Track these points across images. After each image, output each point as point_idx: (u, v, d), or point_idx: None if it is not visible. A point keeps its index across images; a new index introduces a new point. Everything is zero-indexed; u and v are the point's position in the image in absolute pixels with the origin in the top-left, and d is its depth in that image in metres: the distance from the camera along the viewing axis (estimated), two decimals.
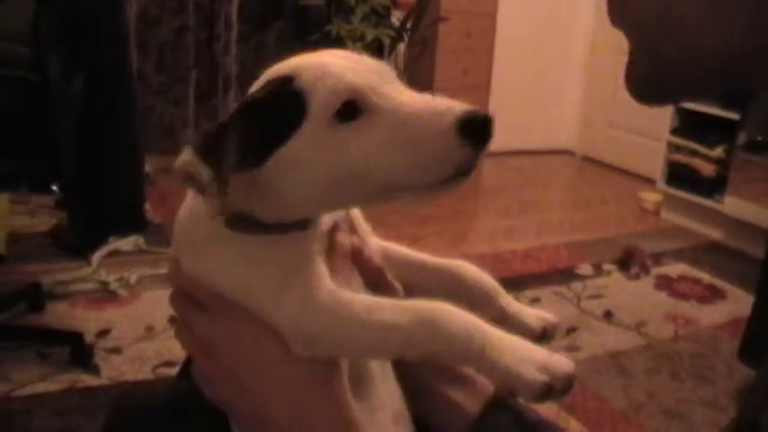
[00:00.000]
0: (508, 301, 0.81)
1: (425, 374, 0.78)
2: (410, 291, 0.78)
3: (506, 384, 0.64)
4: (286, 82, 0.63)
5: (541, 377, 0.64)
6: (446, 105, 0.61)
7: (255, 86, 0.67)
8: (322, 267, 0.69)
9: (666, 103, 0.62)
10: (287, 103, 0.62)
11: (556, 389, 0.65)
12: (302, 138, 0.62)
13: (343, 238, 0.74)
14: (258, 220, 0.67)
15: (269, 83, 0.64)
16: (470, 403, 0.76)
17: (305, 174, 0.63)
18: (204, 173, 0.60)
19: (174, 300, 0.74)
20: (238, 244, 0.68)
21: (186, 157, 0.61)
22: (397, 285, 0.78)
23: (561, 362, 0.66)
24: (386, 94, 0.62)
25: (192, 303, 0.72)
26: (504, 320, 0.78)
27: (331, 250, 0.72)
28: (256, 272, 0.67)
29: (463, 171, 0.62)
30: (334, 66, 0.63)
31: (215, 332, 0.69)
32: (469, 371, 0.78)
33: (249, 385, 0.68)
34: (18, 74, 2.07)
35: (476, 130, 0.60)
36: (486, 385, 0.78)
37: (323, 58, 0.65)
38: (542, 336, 0.81)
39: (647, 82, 0.58)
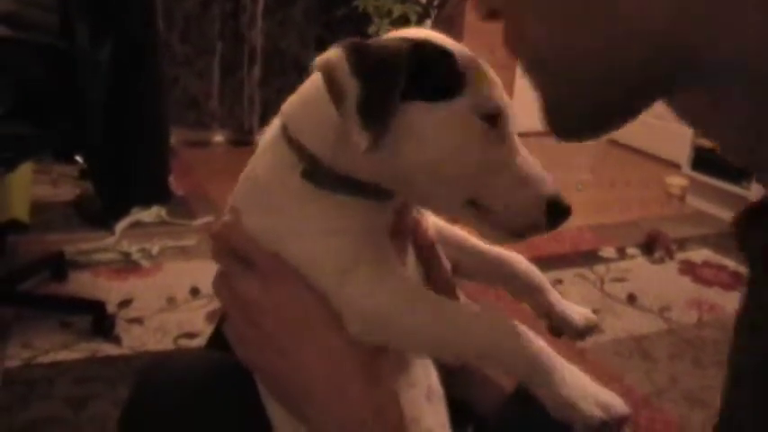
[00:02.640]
0: (556, 298, 0.83)
1: None
2: (458, 272, 0.79)
3: (564, 414, 0.65)
4: (448, 54, 0.64)
5: (599, 414, 0.65)
6: (546, 180, 0.69)
7: (392, 37, 0.66)
8: (392, 248, 0.68)
9: (597, 132, 0.58)
10: (449, 72, 0.63)
11: (610, 426, 0.65)
12: (446, 109, 0.62)
13: (409, 218, 0.74)
14: (335, 171, 0.66)
15: (429, 44, 0.64)
16: (505, 379, 0.76)
17: (424, 145, 0.63)
18: (353, 87, 0.58)
19: (221, 255, 0.72)
20: (315, 208, 0.67)
21: (339, 61, 0.58)
22: (447, 263, 0.77)
23: (619, 403, 0.67)
24: (512, 133, 0.68)
25: (241, 261, 0.69)
26: (551, 315, 0.82)
27: (397, 228, 0.71)
28: (326, 240, 0.66)
29: (528, 234, 0.69)
30: (487, 68, 0.68)
31: (263, 294, 0.67)
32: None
33: (291, 353, 0.66)
34: (46, 40, 2.06)
35: (556, 211, 0.68)
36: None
37: (468, 50, 0.68)
38: (583, 332, 0.82)
39: (568, 111, 0.54)
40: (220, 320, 0.85)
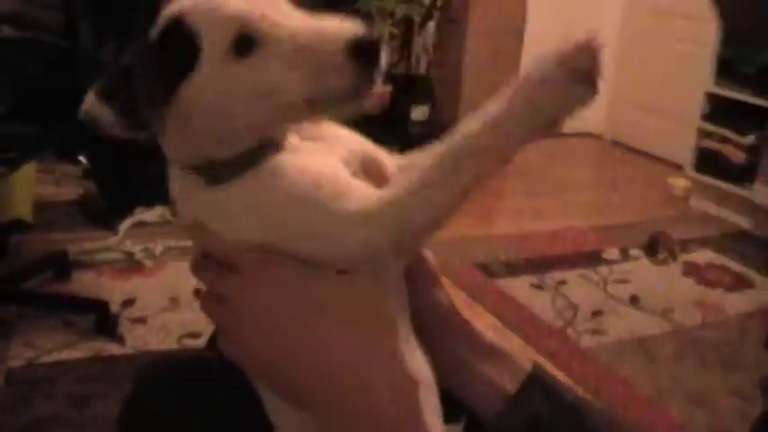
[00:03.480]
0: None
1: (460, 349, 0.75)
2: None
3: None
4: (177, 22, 0.62)
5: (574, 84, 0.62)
6: (335, 30, 0.62)
7: (154, 29, 0.65)
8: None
9: None
10: (179, 44, 0.61)
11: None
12: (202, 76, 0.61)
13: None
14: (219, 162, 0.65)
15: (161, 24, 0.63)
16: (507, 380, 0.74)
17: (214, 109, 0.62)
18: (106, 114, 0.60)
19: (198, 266, 0.69)
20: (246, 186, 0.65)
21: (89, 100, 0.61)
22: (430, 255, 0.76)
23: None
24: (277, 22, 0.62)
25: (221, 268, 0.67)
26: None
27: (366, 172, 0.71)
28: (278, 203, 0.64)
29: (360, 91, 0.63)
30: (221, 0, 0.62)
31: (252, 295, 0.65)
32: (506, 346, 0.76)
33: (288, 351, 0.64)
34: (49, 39, 2.07)
35: (364, 52, 0.61)
36: (524, 362, 0.76)
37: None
38: None
39: None
40: None
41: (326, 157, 0.68)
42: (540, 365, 0.76)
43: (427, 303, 0.75)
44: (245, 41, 0.61)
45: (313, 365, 0.64)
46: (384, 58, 0.63)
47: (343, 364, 0.63)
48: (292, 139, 0.69)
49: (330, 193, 0.64)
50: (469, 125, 0.62)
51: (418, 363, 0.70)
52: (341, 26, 0.62)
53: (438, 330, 0.75)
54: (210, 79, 0.62)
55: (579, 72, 0.60)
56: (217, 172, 0.65)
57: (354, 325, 0.65)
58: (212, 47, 0.61)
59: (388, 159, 0.75)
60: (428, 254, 0.76)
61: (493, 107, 0.62)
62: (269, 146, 0.66)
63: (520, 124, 0.61)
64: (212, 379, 0.84)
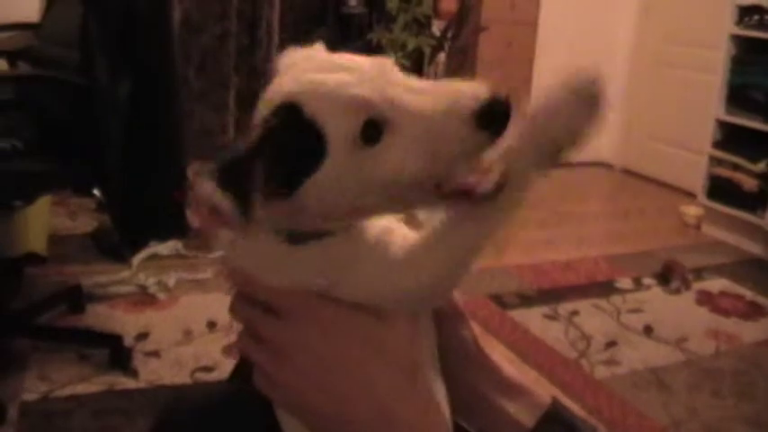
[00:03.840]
0: None
1: (481, 384, 0.76)
2: None
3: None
4: (294, 111, 0.58)
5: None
6: (462, 100, 0.57)
7: (260, 113, 0.62)
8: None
9: None
10: (304, 135, 0.58)
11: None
12: (329, 168, 0.58)
13: None
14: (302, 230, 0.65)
15: (278, 111, 0.59)
16: (525, 416, 0.75)
17: (341, 196, 0.60)
18: (229, 206, 0.56)
19: (237, 305, 0.70)
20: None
21: (209, 189, 0.56)
22: (457, 296, 0.77)
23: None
24: (401, 104, 0.58)
25: (260, 308, 0.68)
26: None
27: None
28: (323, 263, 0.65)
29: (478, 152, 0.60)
30: (335, 84, 0.59)
31: (293, 334, 0.66)
32: (525, 380, 0.77)
33: (331, 388, 0.65)
34: (66, 77, 2.09)
35: (493, 119, 0.57)
36: (542, 397, 0.77)
37: (318, 76, 0.60)
38: None
39: None
40: (242, 356, 0.85)
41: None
42: (558, 400, 0.77)
43: (453, 339, 0.75)
44: (373, 128, 0.58)
45: (354, 404, 0.65)
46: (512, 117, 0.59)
47: (383, 403, 0.64)
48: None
49: (384, 243, 0.64)
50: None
51: (442, 399, 0.72)
52: (467, 94, 0.58)
53: (460, 366, 0.76)
54: (339, 171, 0.58)
55: (583, 95, 0.60)
56: (303, 236, 0.64)
57: (395, 365, 0.66)
58: (339, 137, 0.58)
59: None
60: (455, 292, 0.77)
61: (504, 142, 0.60)
62: None
63: (529, 155, 0.61)
64: (234, 413, 0.85)
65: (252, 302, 0.69)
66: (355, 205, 0.61)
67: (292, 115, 0.58)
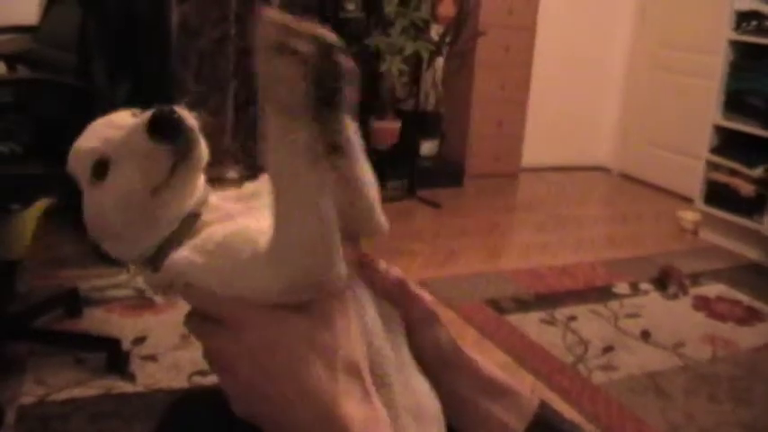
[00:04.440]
0: None
1: (461, 386, 0.76)
2: None
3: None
4: (67, 167, 0.75)
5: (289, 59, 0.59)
6: (140, 119, 0.70)
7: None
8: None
9: None
10: (73, 181, 0.74)
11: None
12: (86, 200, 0.73)
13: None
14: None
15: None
16: (514, 420, 0.75)
17: (99, 223, 0.73)
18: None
19: (189, 320, 0.72)
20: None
21: None
22: (425, 295, 0.77)
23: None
24: (110, 141, 0.71)
25: (210, 322, 0.69)
26: None
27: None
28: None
29: (178, 165, 0.71)
30: (78, 143, 0.74)
31: (234, 345, 0.67)
32: (509, 381, 0.77)
33: (272, 397, 0.65)
34: (64, 80, 2.10)
35: (165, 128, 0.69)
36: (530, 401, 0.77)
37: (85, 132, 0.75)
38: None
39: None
40: None
41: (246, 218, 0.73)
42: (547, 403, 0.77)
43: (426, 341, 0.75)
44: (100, 167, 0.71)
45: (296, 409, 0.65)
46: (187, 121, 0.71)
47: (325, 404, 0.65)
48: (222, 204, 0.76)
49: (244, 241, 0.67)
50: None
51: (421, 395, 0.72)
52: (144, 115, 0.69)
53: (440, 369, 0.76)
54: (89, 202, 0.73)
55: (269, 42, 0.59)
56: (154, 260, 0.73)
57: (334, 364, 0.66)
58: (82, 179, 0.73)
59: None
60: (424, 293, 0.77)
61: None
62: (191, 218, 0.74)
63: (280, 126, 0.61)
64: (236, 419, 0.85)
65: (202, 317, 0.70)
66: (130, 227, 0.72)
67: (67, 169, 0.74)
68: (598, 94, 6.04)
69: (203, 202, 0.76)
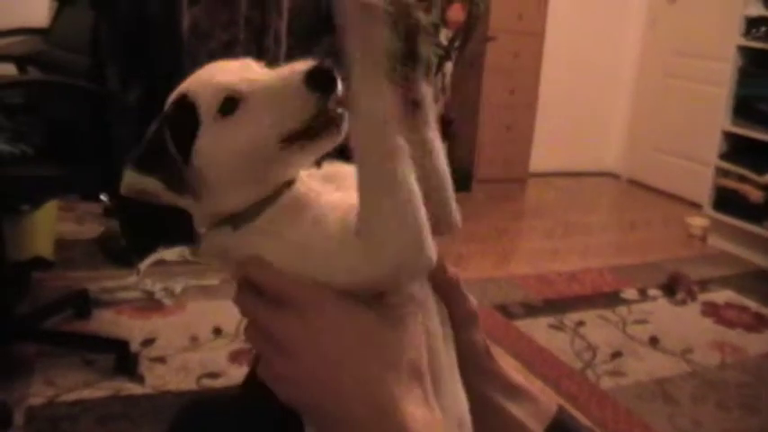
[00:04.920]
0: None
1: (489, 389, 0.77)
2: None
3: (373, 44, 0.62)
4: (181, 97, 0.72)
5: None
6: (292, 68, 0.70)
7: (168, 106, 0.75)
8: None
9: None
10: (185, 113, 0.71)
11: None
12: (204, 134, 0.70)
13: None
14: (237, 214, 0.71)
15: (170, 102, 0.73)
16: (533, 422, 0.75)
17: (216, 162, 0.70)
18: (150, 182, 0.70)
19: (242, 296, 0.71)
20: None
21: (129, 177, 0.71)
22: (472, 299, 0.77)
23: None
24: (251, 82, 0.72)
25: (266, 299, 0.68)
26: None
27: None
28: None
29: (327, 117, 0.70)
30: (208, 75, 0.73)
31: (301, 329, 0.66)
32: (531, 387, 0.78)
33: (331, 384, 0.65)
34: (77, 83, 2.10)
35: (321, 80, 0.69)
36: (548, 404, 0.77)
37: (203, 71, 0.75)
38: None
39: None
40: (255, 362, 0.85)
41: (336, 193, 0.72)
42: (565, 408, 0.78)
43: (463, 344, 0.76)
44: (230, 103, 0.70)
45: (352, 403, 0.65)
46: (339, 83, 0.69)
47: (380, 404, 0.65)
48: (310, 183, 0.74)
49: (333, 219, 0.68)
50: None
51: (463, 404, 0.72)
52: (299, 66, 0.70)
53: (470, 370, 0.76)
54: (209, 138, 0.70)
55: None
56: (240, 218, 0.71)
57: (395, 366, 0.66)
58: (205, 111, 0.71)
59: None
60: (470, 296, 0.78)
61: None
62: (285, 186, 0.72)
63: (368, 85, 0.62)
64: (249, 422, 0.85)
65: (257, 293, 0.69)
66: (243, 172, 0.71)
67: (180, 100, 0.72)
68: (607, 100, 6.04)
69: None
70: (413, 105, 0.67)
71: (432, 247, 0.65)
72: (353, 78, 0.62)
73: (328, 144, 0.71)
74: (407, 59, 0.63)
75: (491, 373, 0.77)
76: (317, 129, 0.70)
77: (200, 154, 0.71)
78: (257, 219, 0.70)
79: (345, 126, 0.70)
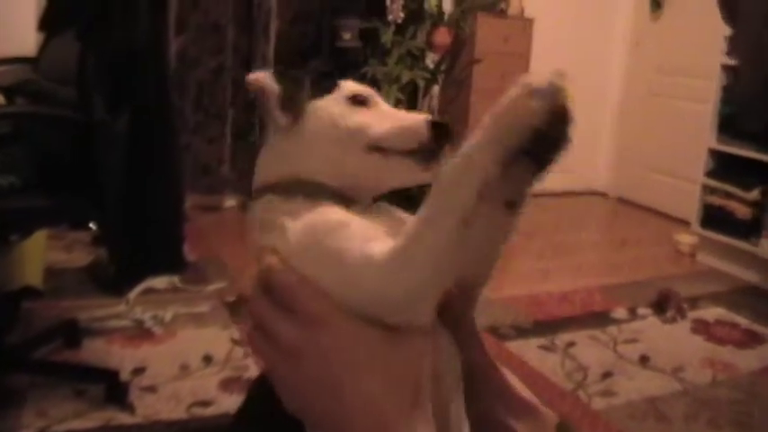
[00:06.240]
0: None
1: (493, 406, 0.77)
2: None
3: (521, 136, 0.61)
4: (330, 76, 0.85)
5: (535, 102, 0.61)
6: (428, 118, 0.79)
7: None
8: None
9: None
10: (331, 82, 0.83)
11: (555, 97, 0.60)
12: (327, 101, 0.80)
13: None
14: (310, 181, 0.77)
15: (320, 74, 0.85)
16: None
17: (324, 125, 0.78)
18: (272, 88, 0.78)
19: (256, 300, 0.71)
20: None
21: (264, 75, 0.79)
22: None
23: (534, 78, 0.62)
24: (381, 101, 0.84)
25: (277, 304, 0.69)
26: None
27: None
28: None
29: (429, 153, 0.76)
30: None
31: (307, 339, 0.67)
32: (534, 399, 0.78)
33: (334, 397, 0.66)
34: (64, 114, 2.11)
35: (440, 128, 0.77)
36: (551, 416, 0.78)
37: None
38: None
39: None
40: (251, 390, 0.86)
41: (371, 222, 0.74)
42: (565, 420, 0.78)
43: (469, 358, 0.76)
44: (359, 99, 0.81)
45: (353, 417, 0.65)
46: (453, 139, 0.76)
47: (381, 421, 0.65)
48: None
49: (358, 235, 0.68)
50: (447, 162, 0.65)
51: (460, 427, 0.73)
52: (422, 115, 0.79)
53: (475, 384, 0.77)
54: (331, 104, 0.80)
55: (540, 90, 0.60)
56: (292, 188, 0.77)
57: (398, 385, 0.66)
58: (342, 91, 0.82)
59: None
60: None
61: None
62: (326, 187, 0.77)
63: (485, 148, 0.62)
64: None
65: (270, 297, 0.70)
66: (338, 153, 0.78)
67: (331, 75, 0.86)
68: (594, 120, 6.07)
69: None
70: (516, 200, 0.68)
71: (428, 309, 0.67)
72: (473, 142, 0.62)
73: (410, 173, 0.79)
74: (547, 144, 0.62)
75: (496, 390, 0.78)
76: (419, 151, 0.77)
77: (317, 112, 0.80)
78: (299, 198, 0.75)
79: (437, 167, 0.76)
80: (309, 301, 0.68)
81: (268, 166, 0.82)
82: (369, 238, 0.68)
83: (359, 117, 0.79)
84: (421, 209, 0.64)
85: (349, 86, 0.83)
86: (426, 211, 0.63)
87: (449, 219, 0.62)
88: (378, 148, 0.77)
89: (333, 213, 0.72)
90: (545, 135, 0.60)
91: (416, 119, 0.78)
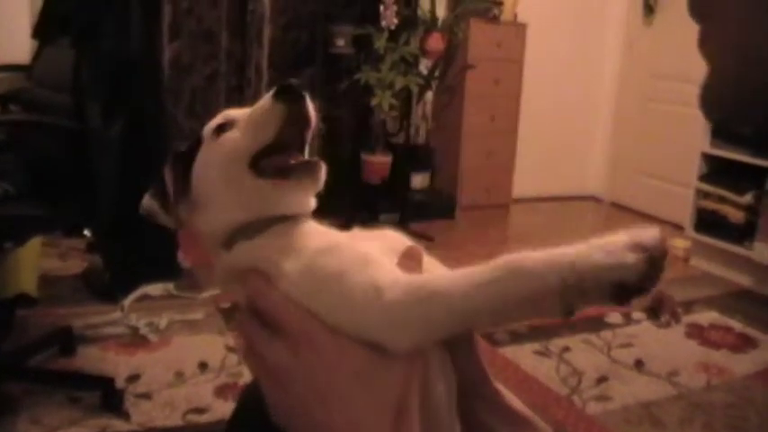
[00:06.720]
0: None
1: (488, 417, 0.78)
2: None
3: (612, 278, 0.62)
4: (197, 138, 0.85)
5: (636, 255, 0.63)
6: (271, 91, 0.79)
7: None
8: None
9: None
10: (194, 142, 0.84)
11: (655, 258, 0.63)
12: (199, 155, 0.82)
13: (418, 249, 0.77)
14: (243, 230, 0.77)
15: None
16: None
17: (204, 175, 0.80)
18: (155, 208, 0.80)
19: (246, 322, 0.72)
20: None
21: (146, 198, 0.81)
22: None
23: (645, 233, 0.64)
24: (245, 113, 0.81)
25: (267, 327, 0.70)
26: None
27: (405, 255, 0.74)
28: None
29: (305, 163, 0.78)
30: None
31: (292, 360, 0.68)
32: (528, 412, 0.79)
33: (320, 418, 0.66)
34: (58, 121, 2.11)
35: (286, 92, 0.78)
36: (545, 428, 0.78)
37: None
38: None
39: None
40: (242, 397, 0.86)
41: (364, 243, 0.74)
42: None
43: (463, 372, 0.77)
44: (221, 127, 0.81)
45: None
46: (308, 100, 0.78)
47: None
48: (325, 229, 0.79)
49: (357, 261, 0.69)
50: (528, 259, 0.65)
51: None
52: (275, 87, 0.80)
53: (469, 396, 0.77)
54: (202, 155, 0.81)
55: (641, 245, 0.63)
56: (234, 238, 0.77)
57: (382, 404, 0.66)
58: (206, 133, 0.82)
59: (434, 266, 0.80)
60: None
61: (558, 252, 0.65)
62: (281, 219, 0.77)
63: (567, 276, 0.63)
64: None
65: (257, 319, 0.70)
66: (215, 184, 0.79)
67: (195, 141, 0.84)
68: (588, 125, 6.09)
69: (303, 215, 0.80)
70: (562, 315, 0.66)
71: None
72: (564, 265, 0.64)
73: (300, 188, 0.78)
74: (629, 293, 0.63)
75: (491, 402, 0.79)
76: (294, 169, 0.77)
77: (195, 170, 0.81)
78: (266, 232, 0.76)
79: (322, 175, 0.77)
80: (291, 321, 0.68)
81: (213, 230, 0.82)
82: (368, 261, 0.69)
83: (227, 140, 0.80)
84: (467, 272, 0.68)
85: (210, 124, 0.84)
86: (470, 279, 0.66)
87: (486, 312, 0.65)
88: (257, 165, 0.78)
89: (324, 235, 0.76)
90: (631, 288, 0.63)
91: (263, 107, 0.79)
